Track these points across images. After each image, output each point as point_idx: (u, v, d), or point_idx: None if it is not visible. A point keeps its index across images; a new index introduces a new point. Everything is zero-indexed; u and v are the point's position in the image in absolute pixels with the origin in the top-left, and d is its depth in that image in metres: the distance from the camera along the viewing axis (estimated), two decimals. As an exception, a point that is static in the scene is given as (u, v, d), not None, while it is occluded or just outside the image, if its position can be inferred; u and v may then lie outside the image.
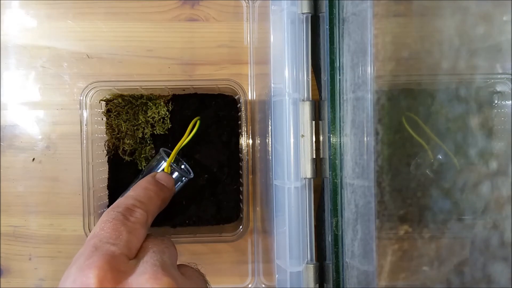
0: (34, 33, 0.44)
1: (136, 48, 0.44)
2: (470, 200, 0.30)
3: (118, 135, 0.43)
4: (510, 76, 0.38)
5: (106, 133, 0.43)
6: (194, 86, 0.42)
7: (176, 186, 0.41)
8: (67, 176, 0.44)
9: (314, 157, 0.34)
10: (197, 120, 0.42)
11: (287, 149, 0.33)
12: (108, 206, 0.43)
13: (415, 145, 0.34)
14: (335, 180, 0.32)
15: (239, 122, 0.42)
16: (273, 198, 0.35)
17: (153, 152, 0.43)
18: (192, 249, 0.44)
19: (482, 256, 0.29)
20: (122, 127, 0.43)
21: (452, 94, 0.31)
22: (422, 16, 0.35)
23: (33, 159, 0.44)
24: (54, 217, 0.44)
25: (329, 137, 0.33)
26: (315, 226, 0.34)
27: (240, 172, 0.42)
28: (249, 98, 0.43)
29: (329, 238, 0.33)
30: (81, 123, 0.40)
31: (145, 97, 0.43)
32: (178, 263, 0.29)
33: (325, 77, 0.33)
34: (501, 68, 0.36)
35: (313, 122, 0.34)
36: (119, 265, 0.24)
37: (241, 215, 0.42)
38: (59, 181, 0.44)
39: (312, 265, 0.34)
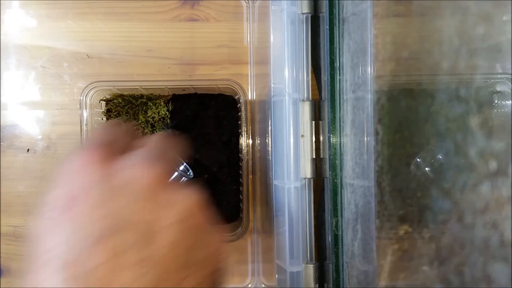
0: (34, 33, 0.44)
1: (136, 48, 0.44)
2: (470, 200, 0.30)
3: (118, 135, 0.43)
4: (510, 76, 0.38)
5: (106, 133, 0.43)
6: (194, 86, 0.42)
7: None
8: (67, 176, 0.44)
9: (314, 157, 0.34)
10: None
11: (287, 149, 0.33)
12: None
13: (415, 145, 0.34)
14: (335, 180, 0.32)
15: (239, 122, 0.42)
16: (273, 198, 0.35)
17: (153, 152, 0.43)
18: (192, 249, 0.44)
19: (482, 256, 0.29)
20: (122, 127, 0.43)
21: (452, 94, 0.31)
22: (422, 16, 0.35)
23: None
24: (54, 217, 0.44)
25: (329, 137, 0.33)
26: (315, 226, 0.34)
27: (240, 172, 0.42)
28: (249, 98, 0.43)
29: (329, 238, 0.33)
30: (81, 123, 0.40)
31: (145, 97, 0.43)
32: None
33: (325, 77, 0.33)
34: (501, 68, 0.36)
35: (313, 122, 0.34)
36: (108, 151, 0.24)
37: (241, 215, 0.42)
38: (59, 181, 0.44)
39: (312, 265, 0.34)
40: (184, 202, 0.23)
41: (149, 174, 0.23)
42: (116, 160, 0.24)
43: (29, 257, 0.22)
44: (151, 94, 0.43)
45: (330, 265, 0.33)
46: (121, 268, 0.20)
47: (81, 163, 0.23)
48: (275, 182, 0.35)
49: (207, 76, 0.44)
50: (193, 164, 0.43)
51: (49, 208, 0.23)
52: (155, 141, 0.27)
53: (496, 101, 0.38)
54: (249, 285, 0.44)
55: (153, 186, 0.23)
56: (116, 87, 0.42)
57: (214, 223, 0.25)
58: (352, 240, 0.31)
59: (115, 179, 0.23)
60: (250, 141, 0.42)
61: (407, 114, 0.34)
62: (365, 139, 0.29)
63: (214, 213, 0.25)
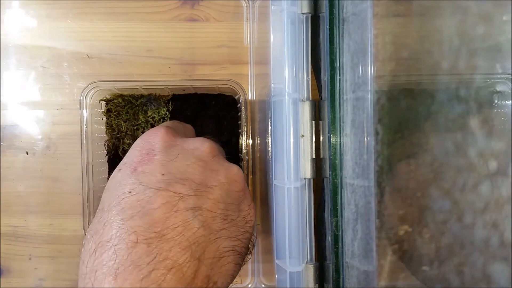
0: (34, 33, 0.44)
1: (136, 48, 0.44)
2: (470, 200, 0.30)
3: (118, 135, 0.43)
4: (510, 76, 0.38)
5: (106, 133, 0.43)
6: (194, 86, 0.42)
7: None
8: (67, 176, 0.44)
9: (314, 157, 0.34)
10: None
11: (287, 149, 0.33)
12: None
13: (415, 145, 0.34)
14: (335, 180, 0.32)
15: (239, 122, 0.42)
16: (273, 198, 0.35)
17: (153, 152, 0.43)
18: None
19: (482, 256, 0.29)
20: (122, 127, 0.43)
21: (452, 94, 0.31)
22: (422, 16, 0.35)
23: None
24: (54, 217, 0.44)
25: (329, 137, 0.33)
26: (315, 226, 0.34)
27: (240, 172, 0.42)
28: (249, 98, 0.43)
29: (329, 238, 0.33)
30: (81, 123, 0.40)
31: (145, 97, 0.43)
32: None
33: (325, 77, 0.33)
34: (501, 68, 0.36)
35: (313, 122, 0.34)
36: (176, 132, 0.32)
37: (241, 215, 0.42)
38: (59, 181, 0.44)
39: (312, 265, 0.34)
40: (227, 172, 0.30)
41: (204, 146, 0.30)
42: (180, 137, 0.31)
43: (103, 201, 0.27)
44: (151, 94, 0.43)
45: (330, 265, 0.33)
46: (175, 211, 0.25)
47: (154, 135, 0.30)
48: (275, 182, 0.35)
49: (207, 76, 0.44)
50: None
51: (124, 166, 0.28)
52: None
53: (496, 101, 0.38)
54: (249, 285, 0.44)
55: (205, 156, 0.30)
56: (116, 87, 0.42)
57: (247, 194, 0.31)
58: (352, 240, 0.31)
59: (177, 148, 0.29)
60: (250, 141, 0.42)
61: (407, 114, 0.34)
62: (365, 139, 0.29)
63: (247, 187, 0.32)
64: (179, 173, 0.27)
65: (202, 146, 0.30)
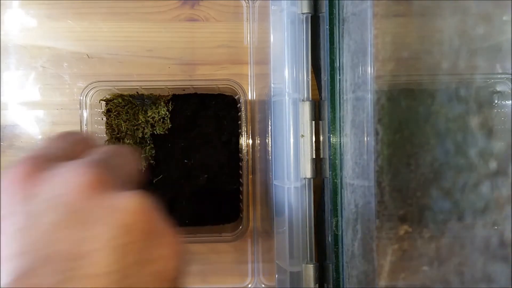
0: (34, 33, 0.44)
1: (136, 48, 0.44)
2: (470, 200, 0.30)
3: (118, 135, 0.43)
4: (510, 76, 0.38)
5: (106, 133, 0.43)
6: (194, 86, 0.42)
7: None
8: (67, 176, 0.44)
9: (314, 157, 0.34)
10: None
11: (287, 149, 0.33)
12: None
13: (415, 145, 0.34)
14: (335, 180, 0.32)
15: (239, 122, 0.42)
16: (273, 198, 0.35)
17: (153, 152, 0.43)
18: (192, 249, 0.44)
19: (482, 256, 0.29)
20: (122, 127, 0.43)
21: (452, 94, 0.31)
22: (422, 16, 0.35)
23: None
24: (54, 217, 0.44)
25: (329, 137, 0.33)
26: (315, 226, 0.34)
27: (240, 172, 0.42)
28: (249, 98, 0.43)
29: (329, 238, 0.33)
30: (81, 123, 0.40)
31: (145, 97, 0.43)
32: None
33: (325, 77, 0.33)
34: (501, 68, 0.36)
35: (313, 122, 0.34)
36: (35, 164, 0.19)
37: (241, 215, 0.42)
38: (59, 181, 0.44)
39: (312, 265, 0.34)
40: (116, 213, 0.18)
41: (75, 182, 0.19)
42: (46, 171, 0.19)
43: None
44: (151, 94, 0.43)
45: (330, 265, 0.33)
46: None
47: (2, 186, 0.19)
48: (275, 182, 0.35)
49: (207, 76, 0.44)
50: (193, 164, 0.43)
51: None
52: (101, 150, 0.22)
53: (496, 101, 0.38)
54: (249, 285, 0.44)
55: (77, 199, 0.18)
56: (116, 87, 0.42)
57: (160, 229, 0.19)
58: (352, 240, 0.31)
59: (37, 199, 0.18)
60: (250, 141, 0.42)
61: (407, 114, 0.34)
62: (365, 139, 0.29)
63: (159, 217, 0.19)
64: (38, 248, 0.17)
65: (74, 182, 0.19)
